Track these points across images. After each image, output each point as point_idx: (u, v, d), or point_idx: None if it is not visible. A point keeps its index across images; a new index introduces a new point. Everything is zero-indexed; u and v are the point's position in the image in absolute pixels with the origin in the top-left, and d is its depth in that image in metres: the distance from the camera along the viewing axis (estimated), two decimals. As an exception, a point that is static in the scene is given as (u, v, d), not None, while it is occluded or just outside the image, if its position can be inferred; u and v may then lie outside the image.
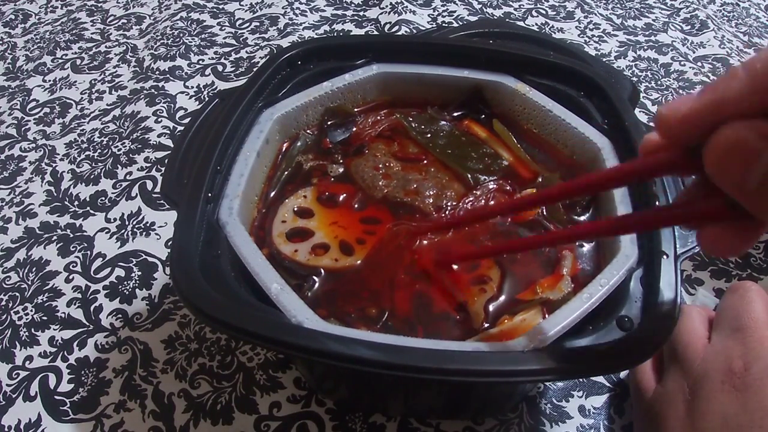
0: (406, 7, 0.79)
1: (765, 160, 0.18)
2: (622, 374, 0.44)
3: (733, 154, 0.19)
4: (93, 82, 0.72)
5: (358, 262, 0.38)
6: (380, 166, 0.43)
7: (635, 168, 0.25)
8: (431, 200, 0.41)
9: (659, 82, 0.69)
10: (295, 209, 0.41)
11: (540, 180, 0.42)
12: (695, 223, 0.24)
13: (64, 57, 0.76)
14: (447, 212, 0.40)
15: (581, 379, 0.44)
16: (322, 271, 0.37)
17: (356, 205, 0.41)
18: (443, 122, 0.46)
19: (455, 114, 0.47)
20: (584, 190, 0.32)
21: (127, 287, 0.50)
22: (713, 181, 0.20)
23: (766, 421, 0.31)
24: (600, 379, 0.44)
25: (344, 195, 0.42)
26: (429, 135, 0.45)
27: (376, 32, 0.76)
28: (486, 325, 0.34)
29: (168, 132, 0.64)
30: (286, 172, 0.43)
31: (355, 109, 0.47)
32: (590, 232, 0.36)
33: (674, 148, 0.22)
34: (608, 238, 0.37)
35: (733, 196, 0.20)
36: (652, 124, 0.37)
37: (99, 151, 0.62)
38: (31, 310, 0.49)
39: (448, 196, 0.41)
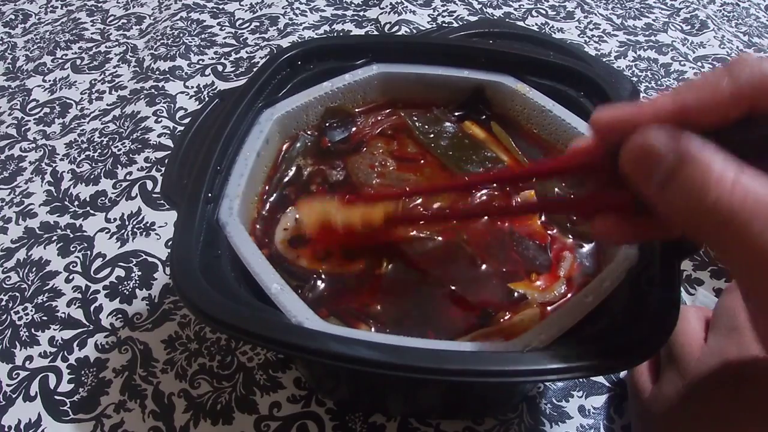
0: (406, 7, 0.79)
1: (665, 166, 0.22)
2: (622, 374, 0.44)
3: (642, 156, 0.23)
4: (93, 82, 0.72)
5: (361, 266, 0.38)
6: (376, 164, 0.43)
7: (560, 163, 0.29)
8: (419, 201, 0.41)
9: (659, 82, 0.69)
10: (297, 217, 0.41)
11: (535, 180, 0.42)
12: (598, 211, 0.27)
13: (64, 57, 0.76)
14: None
15: (581, 379, 0.44)
16: (323, 274, 0.37)
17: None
18: (447, 123, 0.46)
19: (456, 114, 0.47)
20: (509, 180, 0.37)
21: (127, 287, 0.50)
22: (625, 176, 0.24)
23: (760, 422, 0.32)
24: (600, 379, 0.44)
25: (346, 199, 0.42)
26: (432, 135, 0.45)
27: (376, 32, 0.76)
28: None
29: (168, 132, 0.64)
30: (286, 174, 0.43)
31: (356, 110, 0.47)
32: (505, 210, 0.39)
33: (597, 150, 0.26)
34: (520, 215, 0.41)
35: (641, 192, 0.24)
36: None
37: (99, 151, 0.62)
38: (31, 310, 0.49)
39: (439, 198, 0.41)
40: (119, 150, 0.62)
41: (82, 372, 0.46)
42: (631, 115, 0.24)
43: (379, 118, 0.47)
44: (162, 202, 0.57)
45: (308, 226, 0.39)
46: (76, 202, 0.58)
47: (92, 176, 0.60)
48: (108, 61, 0.75)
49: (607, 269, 0.34)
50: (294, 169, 0.44)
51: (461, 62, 0.46)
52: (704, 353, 0.36)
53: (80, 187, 0.59)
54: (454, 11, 0.80)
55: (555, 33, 0.77)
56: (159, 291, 0.50)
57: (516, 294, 0.36)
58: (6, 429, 0.43)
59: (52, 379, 0.45)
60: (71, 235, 0.55)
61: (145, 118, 0.65)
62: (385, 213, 0.37)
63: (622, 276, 0.33)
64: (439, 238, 0.39)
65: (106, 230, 0.55)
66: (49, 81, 0.73)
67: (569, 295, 0.36)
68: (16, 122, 0.67)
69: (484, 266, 0.38)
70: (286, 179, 0.43)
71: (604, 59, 0.72)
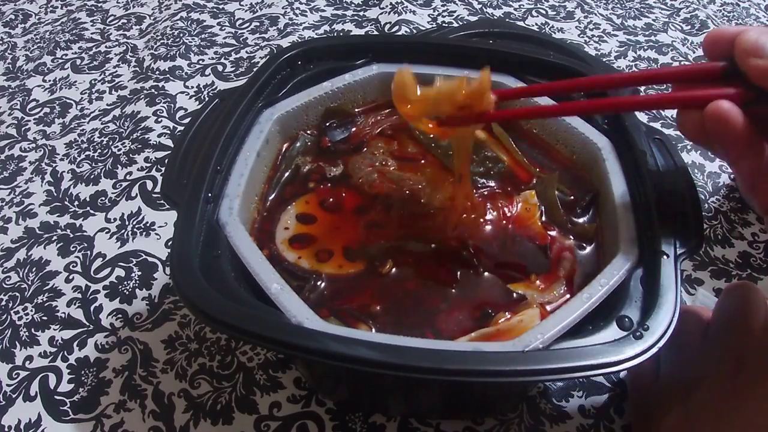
0: (406, 7, 0.79)
1: None
2: (622, 374, 0.44)
3: (756, 36, 0.28)
4: (93, 82, 0.72)
5: (363, 267, 0.38)
6: (377, 164, 0.43)
7: (676, 70, 0.36)
8: (423, 200, 0.41)
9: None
10: (298, 216, 0.41)
11: (535, 181, 0.42)
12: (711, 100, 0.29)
13: (64, 57, 0.76)
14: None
15: (581, 379, 0.44)
16: (324, 274, 0.37)
17: (359, 210, 0.41)
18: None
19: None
20: (628, 83, 0.38)
21: (127, 287, 0.50)
22: (740, 63, 0.29)
23: (759, 421, 0.32)
24: (600, 379, 0.44)
25: (347, 200, 0.42)
26: (432, 135, 0.45)
27: (376, 32, 0.76)
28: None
29: (168, 132, 0.64)
30: (285, 174, 0.43)
31: (356, 110, 0.47)
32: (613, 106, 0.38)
33: (706, 64, 0.31)
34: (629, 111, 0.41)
35: (753, 69, 0.28)
36: (652, 124, 0.40)
37: (99, 151, 0.62)
38: (31, 310, 0.49)
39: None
40: (119, 150, 0.62)
41: (82, 372, 0.46)
42: (737, 29, 0.30)
43: (379, 118, 0.47)
44: (162, 202, 0.57)
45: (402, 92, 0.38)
46: (76, 202, 0.58)
47: (92, 176, 0.60)
48: (108, 61, 0.75)
49: (607, 269, 0.34)
50: (293, 168, 0.44)
51: (461, 62, 0.46)
52: (704, 352, 0.36)
53: (80, 187, 0.59)
54: (454, 11, 0.80)
55: (555, 33, 0.77)
56: (159, 291, 0.50)
57: (516, 294, 0.37)
58: (6, 429, 0.43)
59: (52, 379, 0.45)
60: (71, 235, 0.55)
61: (145, 118, 0.65)
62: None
63: (623, 276, 0.33)
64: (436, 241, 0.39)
65: (106, 230, 0.55)
66: (49, 81, 0.73)
67: (569, 295, 0.36)
68: (16, 122, 0.67)
69: (484, 267, 0.38)
70: (286, 179, 0.43)
71: (604, 59, 0.72)
